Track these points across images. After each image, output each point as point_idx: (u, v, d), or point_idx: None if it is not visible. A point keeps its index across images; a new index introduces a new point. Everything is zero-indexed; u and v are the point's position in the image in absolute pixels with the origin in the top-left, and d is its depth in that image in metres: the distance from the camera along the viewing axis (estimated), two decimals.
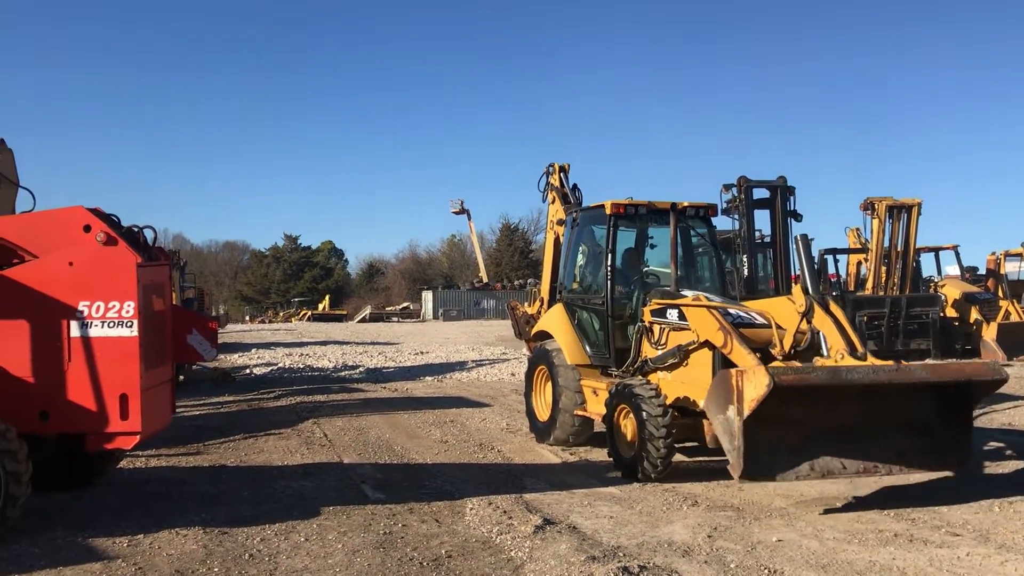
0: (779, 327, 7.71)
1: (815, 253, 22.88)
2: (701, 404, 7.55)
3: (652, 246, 10.13)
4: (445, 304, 66.80)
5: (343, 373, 19.07)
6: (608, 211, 9.32)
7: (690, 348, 8.00)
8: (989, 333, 19.60)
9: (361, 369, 19.82)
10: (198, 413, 12.72)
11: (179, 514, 6.75)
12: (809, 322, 7.56)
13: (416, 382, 17.45)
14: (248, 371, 19.32)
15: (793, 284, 10.68)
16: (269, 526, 6.44)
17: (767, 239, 18.44)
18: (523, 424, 11.04)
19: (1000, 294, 22.45)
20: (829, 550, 5.87)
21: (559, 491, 7.69)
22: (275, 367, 20.12)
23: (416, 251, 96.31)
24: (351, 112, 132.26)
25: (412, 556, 5.76)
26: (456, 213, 75.02)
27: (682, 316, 8.18)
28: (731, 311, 7.98)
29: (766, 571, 5.43)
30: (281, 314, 72.65)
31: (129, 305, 6.28)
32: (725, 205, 16.76)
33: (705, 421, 7.68)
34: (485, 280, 72.44)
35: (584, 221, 10.20)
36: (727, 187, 17.76)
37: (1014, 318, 21.11)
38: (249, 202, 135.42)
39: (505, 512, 6.78)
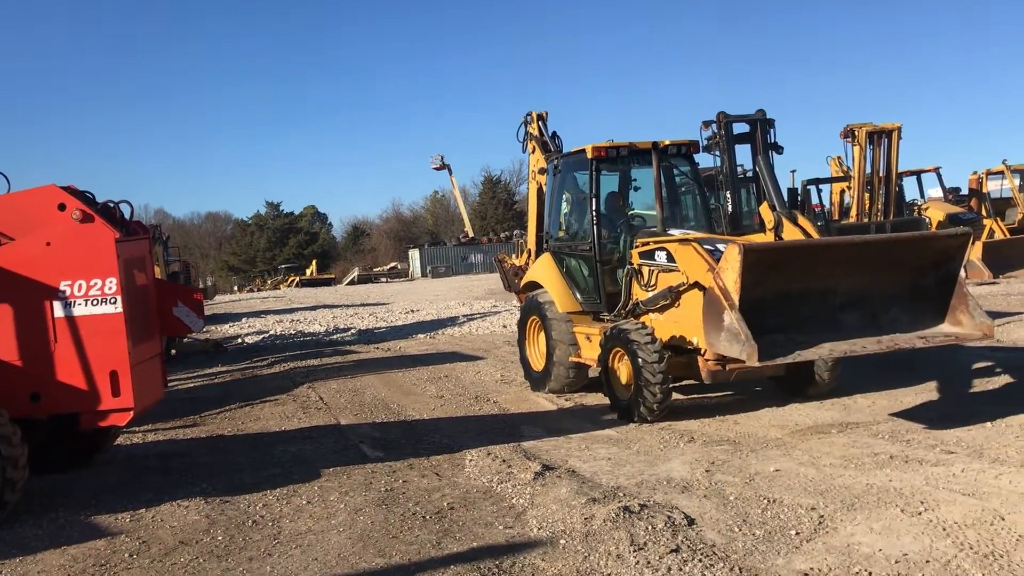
0: None
1: (798, 184, 22.92)
2: (695, 341, 7.56)
3: (636, 188, 10.06)
4: (433, 261, 66.62)
5: (335, 336, 19.04)
6: (590, 155, 9.22)
7: (681, 289, 7.99)
8: (974, 252, 19.72)
9: (353, 331, 19.78)
10: (192, 385, 12.71)
11: (180, 486, 6.76)
12: (780, 237, 7.63)
13: (408, 340, 17.44)
14: (239, 340, 19.27)
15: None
16: (270, 491, 6.46)
17: (749, 174, 18.43)
18: (517, 375, 11.07)
19: (983, 213, 22.54)
20: (826, 476, 5.93)
21: (556, 437, 7.73)
22: (266, 335, 20.07)
23: (400, 210, 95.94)
24: (324, 74, 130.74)
25: (415, 511, 5.79)
26: (437, 169, 74.38)
27: (670, 257, 8.16)
28: (720, 246, 7.99)
29: (765, 501, 5.48)
30: (269, 282, 72.39)
31: (111, 281, 6.22)
32: (706, 142, 16.65)
33: (700, 358, 7.71)
34: (471, 234, 72.19)
35: (566, 168, 10.11)
36: (707, 124, 17.63)
37: (998, 236, 21.25)
38: (228, 172, 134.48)
39: (504, 461, 6.82)
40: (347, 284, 61.42)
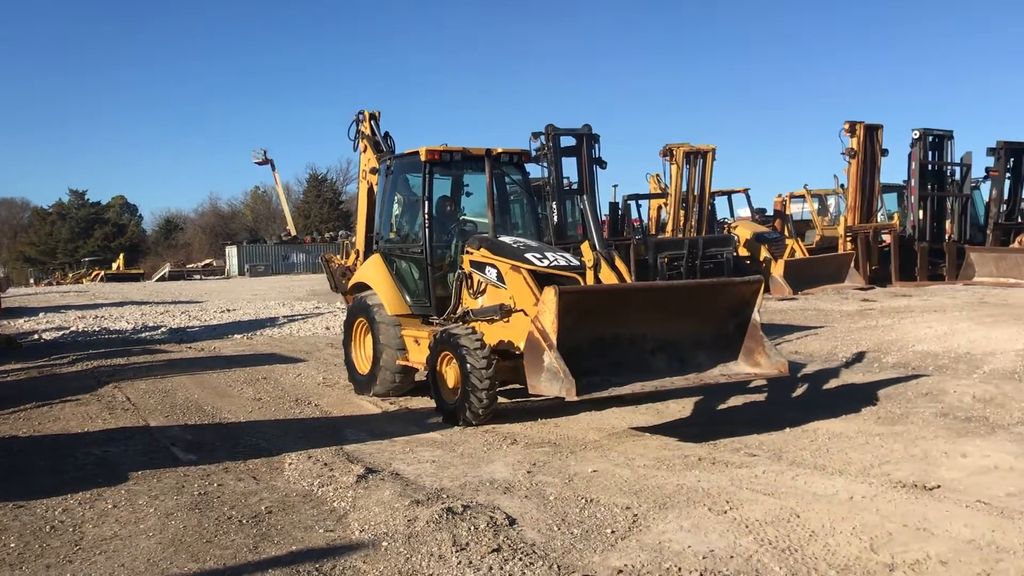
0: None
1: (619, 199, 23.89)
2: (522, 347, 7.74)
3: (468, 194, 10.13)
4: (251, 259, 64.61)
5: (144, 335, 18.05)
6: (423, 158, 9.21)
7: (511, 310, 8.18)
8: (777, 270, 21.17)
9: (163, 329, 18.82)
10: None
11: None
12: (597, 275, 8.06)
13: (224, 340, 16.79)
14: (36, 336, 17.92)
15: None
16: (72, 495, 6.03)
17: (575, 186, 19.05)
18: (340, 378, 10.90)
19: (786, 233, 24.26)
20: (640, 477, 6.18)
21: (380, 440, 7.66)
22: (67, 331, 18.76)
23: (217, 204, 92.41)
24: (137, 56, 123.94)
25: (230, 515, 5.58)
26: (259, 163, 72.17)
27: (500, 277, 8.33)
28: (549, 254, 8.26)
29: (583, 500, 5.65)
30: (71, 275, 67.93)
31: None
32: (534, 153, 17.03)
33: (524, 363, 7.89)
34: (294, 233, 70.49)
35: (399, 169, 10.04)
36: (535, 135, 18.15)
37: (799, 255, 22.91)
38: (27, 155, 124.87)
39: (326, 464, 6.69)
40: (157, 280, 58.58)
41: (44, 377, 12.24)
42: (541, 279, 8.03)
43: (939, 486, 5.75)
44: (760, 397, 9.16)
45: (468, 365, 7.78)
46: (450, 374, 8.19)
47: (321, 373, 11.77)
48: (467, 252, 8.86)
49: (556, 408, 8.54)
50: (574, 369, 6.63)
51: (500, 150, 9.52)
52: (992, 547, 4.62)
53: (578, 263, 8.33)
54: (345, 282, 11.72)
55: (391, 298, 9.50)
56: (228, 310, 23.70)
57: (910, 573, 4.33)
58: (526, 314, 7.88)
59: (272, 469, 6.76)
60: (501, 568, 4.54)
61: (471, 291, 8.78)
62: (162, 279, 59.10)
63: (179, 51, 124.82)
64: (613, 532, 5.07)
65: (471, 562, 4.63)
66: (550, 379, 6.72)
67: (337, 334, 16.28)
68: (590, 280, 8.18)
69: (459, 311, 8.84)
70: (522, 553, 4.74)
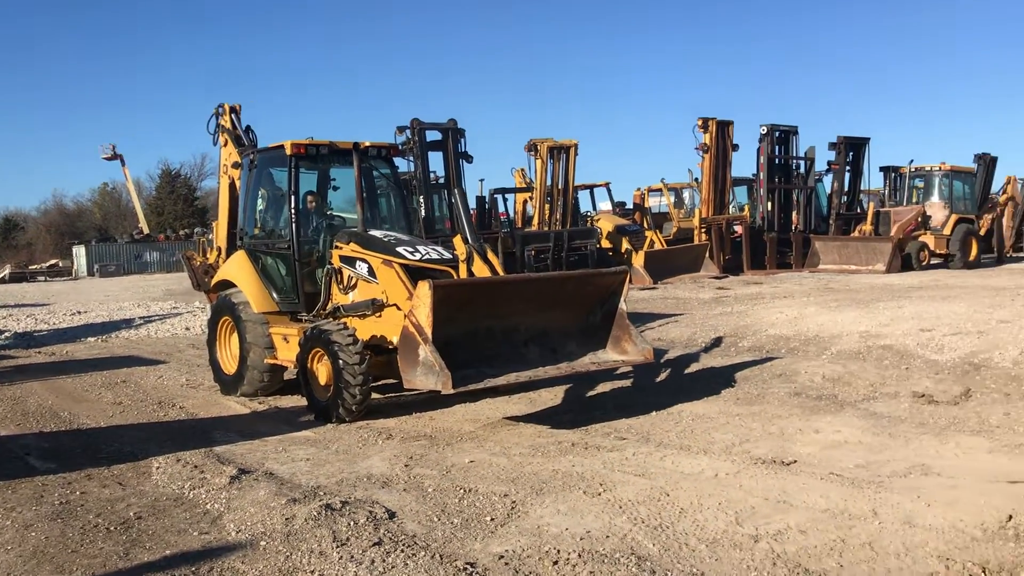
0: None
1: (486, 193, 24.09)
2: (395, 341, 7.73)
3: (335, 188, 9.99)
4: (101, 259, 61.37)
5: None
6: (288, 151, 9.01)
7: (384, 305, 8.14)
8: (638, 261, 21.85)
9: (8, 334, 17.68)
10: None
11: None
12: (469, 268, 8.16)
13: (76, 344, 15.95)
14: None
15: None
16: None
17: (441, 180, 19.10)
18: (204, 378, 10.58)
19: (645, 225, 25.06)
20: (516, 465, 6.30)
21: (252, 440, 7.50)
22: None
23: (62, 202, 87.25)
24: None
25: (96, 523, 5.36)
26: (108, 159, 68.42)
27: (372, 272, 8.28)
28: (420, 248, 8.28)
29: (461, 491, 5.72)
30: None
31: None
32: (400, 147, 16.97)
33: (399, 358, 7.88)
34: (146, 231, 67.37)
35: (263, 163, 9.79)
36: (401, 129, 18.09)
37: (658, 246, 23.72)
38: None
39: (196, 467, 6.51)
40: None
41: None
42: (413, 273, 8.04)
43: (795, 461, 6.13)
44: (627, 383, 9.46)
45: (340, 361, 7.70)
46: (322, 371, 8.09)
47: (184, 374, 11.39)
48: (336, 247, 8.76)
49: (431, 401, 8.57)
50: (449, 362, 6.70)
51: (368, 143, 9.44)
52: (845, 515, 4.97)
53: (451, 256, 8.39)
54: (208, 280, 11.37)
55: (257, 295, 9.28)
56: (79, 312, 22.48)
57: (773, 543, 4.61)
58: (399, 308, 7.87)
59: (139, 474, 6.53)
60: (383, 561, 4.56)
61: (341, 286, 8.70)
62: (2, 281, 55.45)
63: (14, 37, 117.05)
64: (493, 519, 5.16)
65: (353, 556, 4.63)
66: (425, 373, 6.77)
67: (198, 334, 15.77)
68: (463, 273, 8.25)
69: (329, 307, 8.73)
70: (403, 545, 4.77)
